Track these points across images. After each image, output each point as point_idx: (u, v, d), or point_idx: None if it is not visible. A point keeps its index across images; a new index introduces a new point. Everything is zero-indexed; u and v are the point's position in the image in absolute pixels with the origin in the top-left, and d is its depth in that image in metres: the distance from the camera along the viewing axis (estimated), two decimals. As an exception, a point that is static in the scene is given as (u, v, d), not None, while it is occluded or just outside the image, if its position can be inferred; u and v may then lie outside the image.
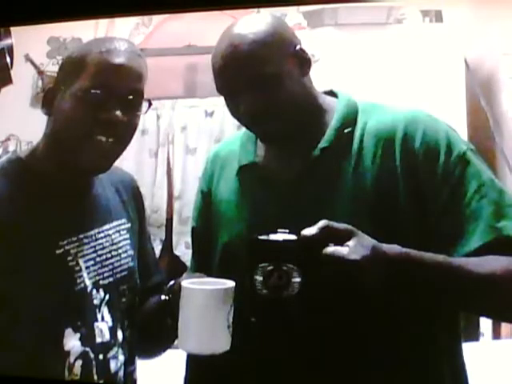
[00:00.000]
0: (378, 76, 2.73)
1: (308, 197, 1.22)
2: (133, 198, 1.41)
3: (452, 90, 2.74)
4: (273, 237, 1.03)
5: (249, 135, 1.33)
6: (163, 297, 1.23)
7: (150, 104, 1.27)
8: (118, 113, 1.22)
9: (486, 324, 2.37)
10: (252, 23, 1.21)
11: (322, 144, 1.24)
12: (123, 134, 1.25)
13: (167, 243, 3.02)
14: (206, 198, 1.37)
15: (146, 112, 1.28)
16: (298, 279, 1.01)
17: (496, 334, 2.24)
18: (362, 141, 1.23)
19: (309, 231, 1.02)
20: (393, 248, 1.06)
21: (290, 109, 1.21)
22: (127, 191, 1.40)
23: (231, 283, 1.08)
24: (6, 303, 1.16)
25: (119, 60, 1.22)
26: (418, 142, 1.19)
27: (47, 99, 1.26)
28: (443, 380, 1.20)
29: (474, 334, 2.22)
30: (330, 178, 1.22)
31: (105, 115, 1.21)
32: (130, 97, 1.23)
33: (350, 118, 1.26)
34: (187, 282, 1.10)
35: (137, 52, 1.26)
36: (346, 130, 1.24)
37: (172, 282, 1.23)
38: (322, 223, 1.03)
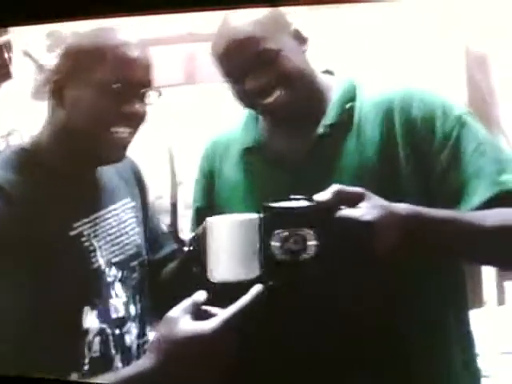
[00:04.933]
0: (375, 55, 2.74)
1: (315, 174, 1.24)
2: (133, 176, 1.44)
3: (451, 70, 2.75)
4: (286, 204, 1.05)
5: (251, 118, 1.36)
6: (186, 248, 1.26)
7: (160, 94, 1.29)
8: (138, 105, 1.25)
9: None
10: (246, 11, 1.24)
11: (327, 121, 1.27)
12: (139, 125, 1.28)
13: (173, 228, 3.07)
14: (209, 179, 1.40)
15: (156, 102, 1.30)
16: (313, 242, 1.03)
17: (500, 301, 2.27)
18: (362, 114, 1.26)
19: (321, 196, 1.04)
20: (402, 206, 1.08)
21: (295, 81, 1.24)
22: (126, 170, 1.43)
23: (255, 215, 1.09)
24: (25, 290, 1.17)
25: (135, 53, 1.25)
26: (415, 108, 1.23)
27: (56, 90, 1.27)
28: (451, 346, 1.24)
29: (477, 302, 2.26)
30: (336, 154, 1.25)
31: (127, 108, 1.24)
32: (146, 89, 1.27)
33: (350, 94, 1.29)
34: (212, 219, 1.12)
35: (145, 43, 1.29)
36: (347, 106, 1.27)
37: (194, 234, 1.25)
38: (333, 187, 1.05)
